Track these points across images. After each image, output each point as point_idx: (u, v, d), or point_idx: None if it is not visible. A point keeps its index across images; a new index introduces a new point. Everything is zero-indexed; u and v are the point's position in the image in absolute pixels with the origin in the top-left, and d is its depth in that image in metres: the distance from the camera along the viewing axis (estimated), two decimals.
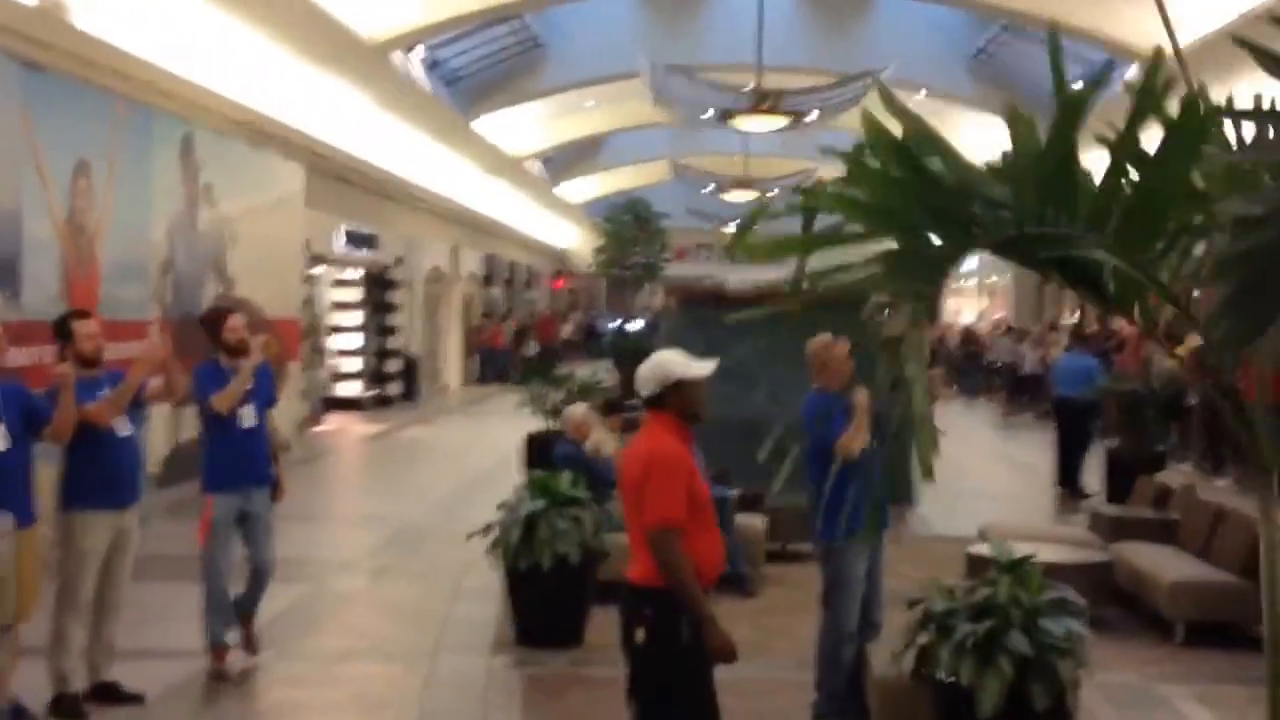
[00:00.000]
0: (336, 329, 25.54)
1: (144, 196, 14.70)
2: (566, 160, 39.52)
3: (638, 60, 25.54)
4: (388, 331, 26.91)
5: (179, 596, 8.96)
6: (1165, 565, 9.26)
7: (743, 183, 36.72)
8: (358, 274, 25.93)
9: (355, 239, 24.46)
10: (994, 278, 36.69)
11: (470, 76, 27.80)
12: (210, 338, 7.83)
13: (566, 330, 41.29)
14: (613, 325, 37.45)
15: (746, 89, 22.31)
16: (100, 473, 7.09)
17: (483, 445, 19.69)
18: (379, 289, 26.66)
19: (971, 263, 38.60)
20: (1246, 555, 8.95)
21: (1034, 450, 16.98)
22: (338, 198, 22.22)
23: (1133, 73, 20.96)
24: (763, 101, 22.14)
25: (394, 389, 26.95)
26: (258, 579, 7.96)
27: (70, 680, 7.01)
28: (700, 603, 5.01)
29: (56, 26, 12.03)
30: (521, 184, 36.70)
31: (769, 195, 34.79)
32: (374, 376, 26.43)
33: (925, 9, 26.19)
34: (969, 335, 29.90)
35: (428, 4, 20.54)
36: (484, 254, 36.37)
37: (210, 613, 7.73)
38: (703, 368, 5.28)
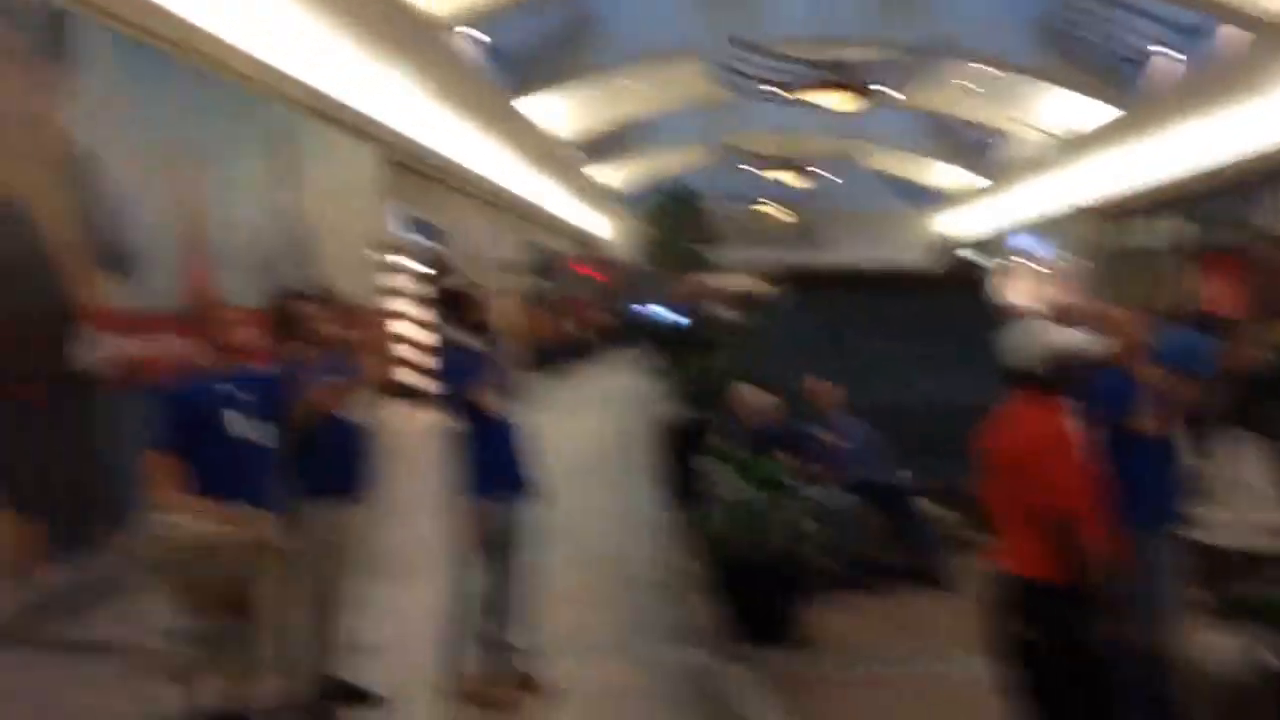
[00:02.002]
0: (395, 316, 24.97)
1: (243, 183, 14.24)
2: (601, 144, 38.92)
3: (693, 36, 25.03)
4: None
5: (396, 592, 8.68)
6: None
7: (787, 163, 36.15)
8: (416, 261, 25.39)
9: (415, 225, 23.97)
10: (1053, 259, 36.03)
11: (519, 56, 27.22)
12: (453, 321, 7.20)
13: (602, 318, 40.73)
14: (653, 312, 36.95)
15: (819, 62, 21.73)
16: (335, 462, 6.58)
17: (570, 434, 19.10)
18: (435, 275, 26.11)
19: (1032, 243, 37.97)
20: None
21: None
22: (397, 183, 21.68)
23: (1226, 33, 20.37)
24: (833, 75, 21.57)
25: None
26: (513, 604, 7.16)
27: (308, 676, 6.55)
28: (1105, 593, 4.56)
29: (153, 11, 11.63)
30: (560, 168, 36.17)
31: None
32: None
33: None
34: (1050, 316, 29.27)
35: None
36: (525, 240, 35.80)
37: (460, 629, 7.01)
38: (1086, 341, 4.82)
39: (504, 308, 7.66)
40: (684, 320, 30.04)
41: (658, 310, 36.61)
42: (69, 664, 7.89)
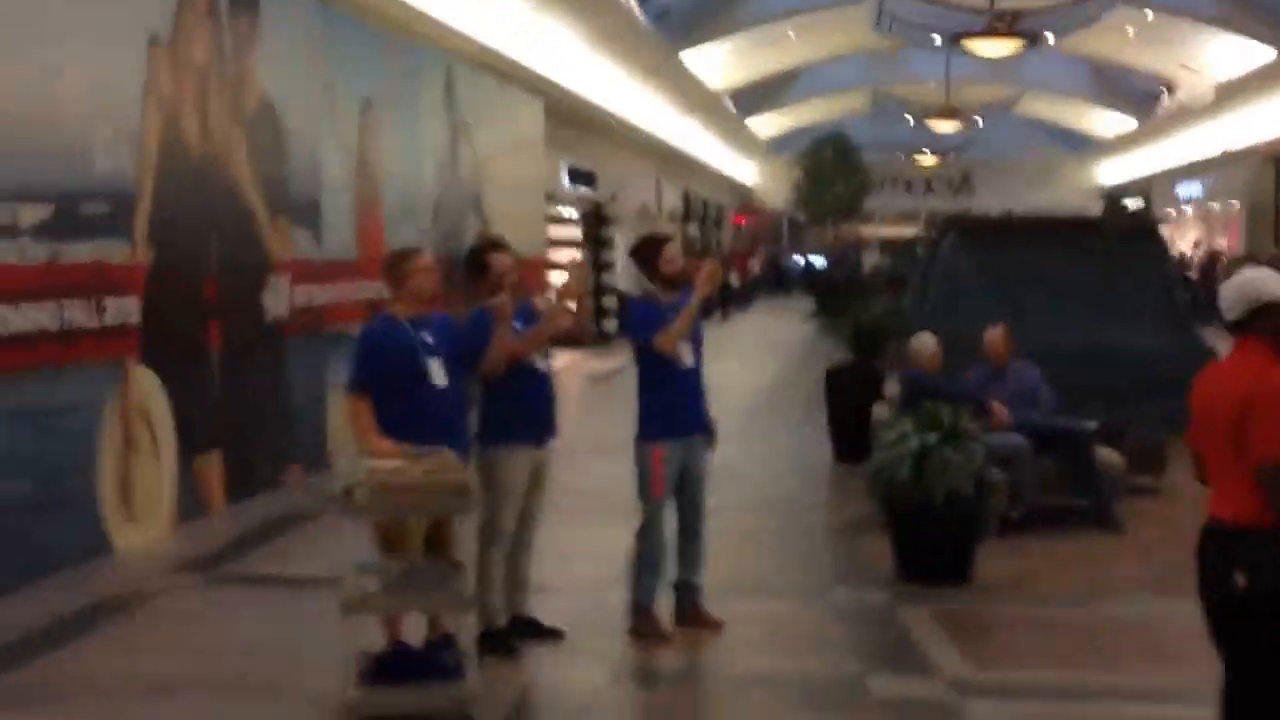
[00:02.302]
0: (554, 265, 25.34)
1: (415, 136, 14.63)
2: (760, 93, 38.81)
3: None
4: (604, 268, 26.70)
5: (581, 533, 8.96)
6: None
7: (945, 111, 35.72)
8: (575, 211, 25.77)
9: (576, 176, 24.31)
10: (1215, 205, 35.26)
11: (681, 7, 27.28)
12: (644, 270, 7.37)
13: (760, 266, 40.82)
14: (811, 260, 36.98)
15: (983, 9, 21.45)
16: (523, 408, 6.82)
17: (731, 380, 19.20)
18: (595, 225, 26.49)
19: (1194, 189, 37.18)
20: None
21: None
22: (557, 134, 22.01)
23: None
24: (1000, 21, 21.30)
25: (611, 325, 26.67)
26: (694, 545, 7.31)
27: (496, 616, 6.80)
28: None
29: None
30: (719, 119, 36.21)
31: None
32: (593, 313, 26.11)
33: None
34: (1212, 262, 28.45)
35: None
36: (682, 190, 36.00)
37: (644, 570, 7.17)
38: None
39: (670, 255, 7.74)
40: (842, 268, 30.04)
41: (816, 258, 36.59)
42: (258, 598, 8.20)
